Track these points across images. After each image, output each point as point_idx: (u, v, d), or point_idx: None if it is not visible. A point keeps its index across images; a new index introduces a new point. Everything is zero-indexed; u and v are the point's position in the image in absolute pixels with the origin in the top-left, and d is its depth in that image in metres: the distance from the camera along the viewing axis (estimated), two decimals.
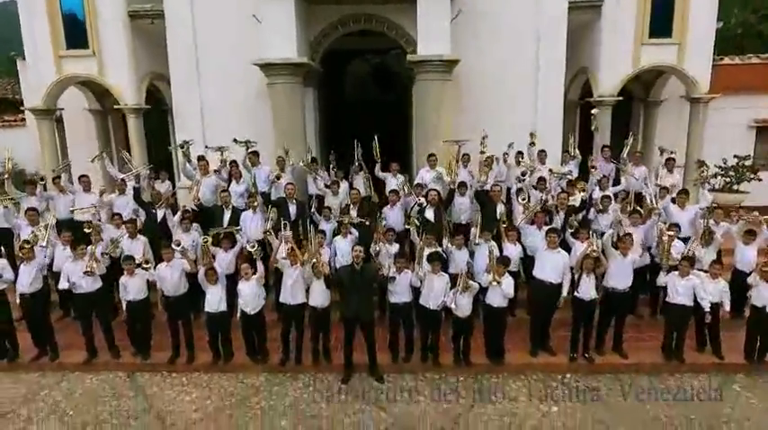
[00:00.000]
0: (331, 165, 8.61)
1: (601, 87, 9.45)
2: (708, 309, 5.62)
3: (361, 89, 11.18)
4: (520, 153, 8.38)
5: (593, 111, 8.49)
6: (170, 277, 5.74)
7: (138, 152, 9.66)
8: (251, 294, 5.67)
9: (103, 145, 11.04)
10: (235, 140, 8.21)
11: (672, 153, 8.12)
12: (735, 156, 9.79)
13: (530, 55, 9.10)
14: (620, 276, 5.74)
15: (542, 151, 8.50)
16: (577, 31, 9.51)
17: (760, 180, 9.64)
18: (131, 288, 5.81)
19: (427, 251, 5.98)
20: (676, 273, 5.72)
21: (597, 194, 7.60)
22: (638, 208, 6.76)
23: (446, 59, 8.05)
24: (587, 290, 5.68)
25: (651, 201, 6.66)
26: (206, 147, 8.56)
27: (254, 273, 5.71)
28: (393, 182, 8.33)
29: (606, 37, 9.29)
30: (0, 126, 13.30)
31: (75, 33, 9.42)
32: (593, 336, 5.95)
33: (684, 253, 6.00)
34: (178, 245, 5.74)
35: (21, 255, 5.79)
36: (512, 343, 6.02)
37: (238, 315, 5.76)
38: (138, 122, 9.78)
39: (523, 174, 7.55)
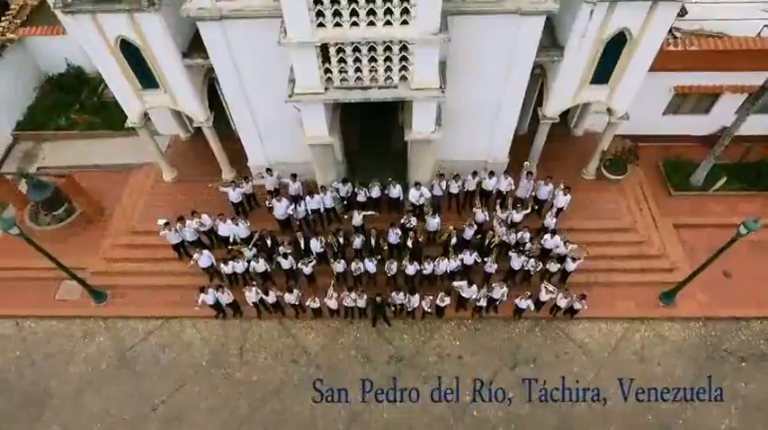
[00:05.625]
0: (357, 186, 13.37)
1: (548, 109, 12.87)
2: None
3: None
4: (474, 173, 13.28)
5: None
6: (289, 300, 12.51)
7: (221, 157, 13.94)
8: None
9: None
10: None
11: (566, 187, 13.02)
12: (627, 138, 14.07)
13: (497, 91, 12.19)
14: None
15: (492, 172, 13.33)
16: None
17: (637, 166, 14.34)
18: (270, 297, 12.63)
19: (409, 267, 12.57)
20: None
21: (516, 217, 13.13)
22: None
23: (432, 139, 11.82)
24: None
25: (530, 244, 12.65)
26: (279, 183, 13.25)
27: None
28: (394, 191, 13.51)
29: (561, 76, 12.06)
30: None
31: (146, 77, 12.07)
32: None
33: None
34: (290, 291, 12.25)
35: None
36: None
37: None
38: (213, 134, 13.55)
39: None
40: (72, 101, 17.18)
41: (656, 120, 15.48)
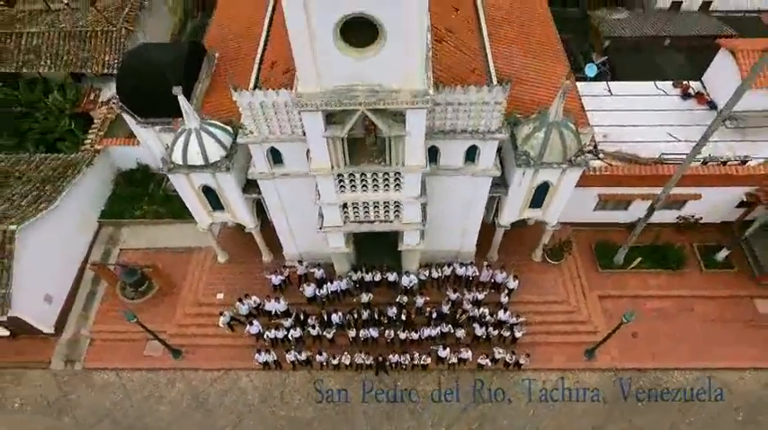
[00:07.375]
0: (364, 271, 18.50)
1: (502, 220, 17.94)
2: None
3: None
4: (449, 264, 18.39)
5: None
6: (319, 359, 17.62)
7: (262, 246, 19.05)
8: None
9: None
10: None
11: (515, 275, 18.12)
12: (568, 225, 19.12)
13: (463, 213, 17.29)
14: None
15: (462, 263, 18.43)
16: None
17: (571, 254, 19.44)
18: (302, 356, 17.72)
19: (402, 335, 17.64)
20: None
21: (479, 296, 18.22)
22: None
23: (417, 248, 16.91)
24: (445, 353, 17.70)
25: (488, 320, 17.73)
26: (307, 270, 18.34)
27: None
28: (391, 277, 18.62)
29: (509, 202, 17.11)
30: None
31: (216, 203, 17.14)
32: None
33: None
34: (321, 354, 17.35)
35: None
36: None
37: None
38: (258, 232, 18.62)
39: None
40: (142, 193, 22.19)
41: (589, 213, 20.57)
